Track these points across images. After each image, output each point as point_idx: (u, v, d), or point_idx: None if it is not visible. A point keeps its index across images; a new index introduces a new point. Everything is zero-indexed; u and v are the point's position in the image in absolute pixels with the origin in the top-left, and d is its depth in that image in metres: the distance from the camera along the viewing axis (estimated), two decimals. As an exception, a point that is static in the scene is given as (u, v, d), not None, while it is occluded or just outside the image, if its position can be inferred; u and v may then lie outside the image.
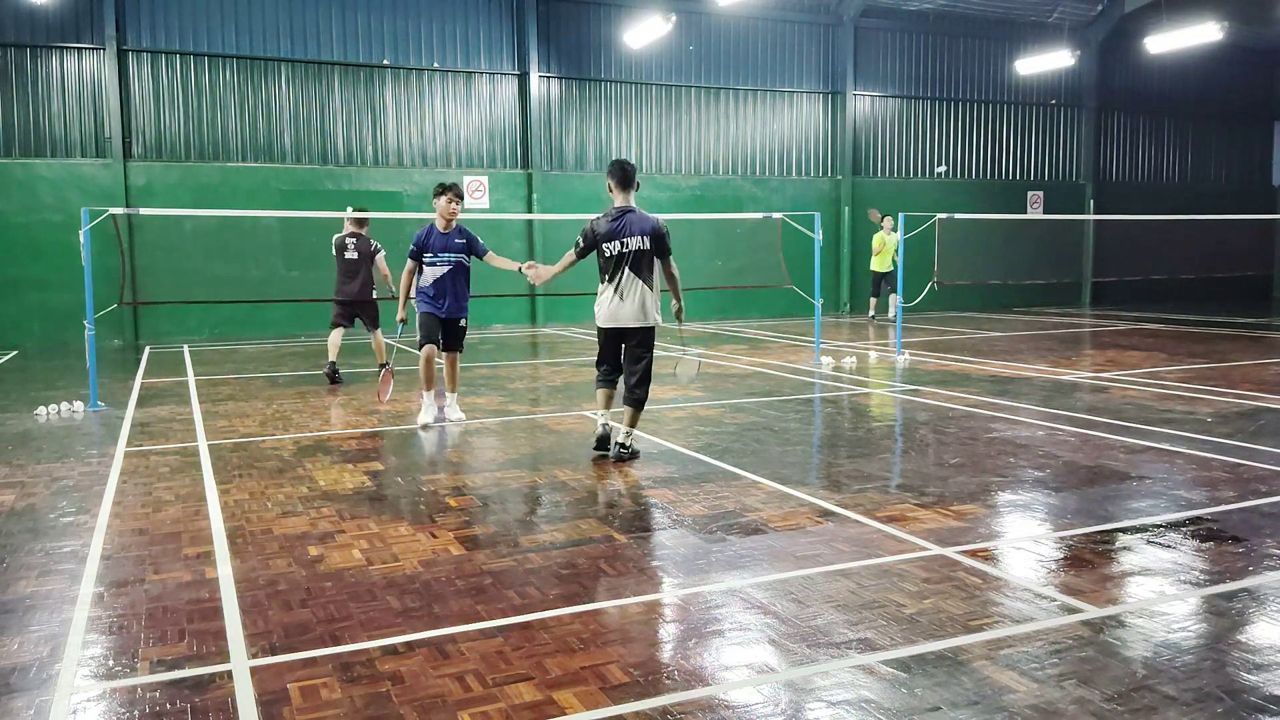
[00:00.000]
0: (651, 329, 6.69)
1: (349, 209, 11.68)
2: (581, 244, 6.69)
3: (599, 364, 6.92)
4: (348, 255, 11.20)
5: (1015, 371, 11.36)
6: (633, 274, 6.53)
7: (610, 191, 6.66)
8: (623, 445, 6.72)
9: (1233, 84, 25.80)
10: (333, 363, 11.14)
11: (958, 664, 3.43)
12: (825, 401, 9.55)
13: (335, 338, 11.29)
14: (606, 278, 6.65)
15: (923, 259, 14.35)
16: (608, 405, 6.92)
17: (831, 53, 21.86)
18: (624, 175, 6.62)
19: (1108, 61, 24.33)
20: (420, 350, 8.37)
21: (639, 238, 6.52)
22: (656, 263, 6.64)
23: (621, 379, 6.83)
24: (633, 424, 6.75)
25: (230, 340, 16.73)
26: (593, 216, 6.80)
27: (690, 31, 20.34)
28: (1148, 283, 21.71)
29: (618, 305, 6.60)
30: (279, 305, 16.80)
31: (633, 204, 6.65)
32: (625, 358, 6.77)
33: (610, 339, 6.79)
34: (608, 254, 6.59)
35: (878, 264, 18.96)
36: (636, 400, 6.72)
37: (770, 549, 4.78)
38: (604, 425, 6.90)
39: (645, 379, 6.75)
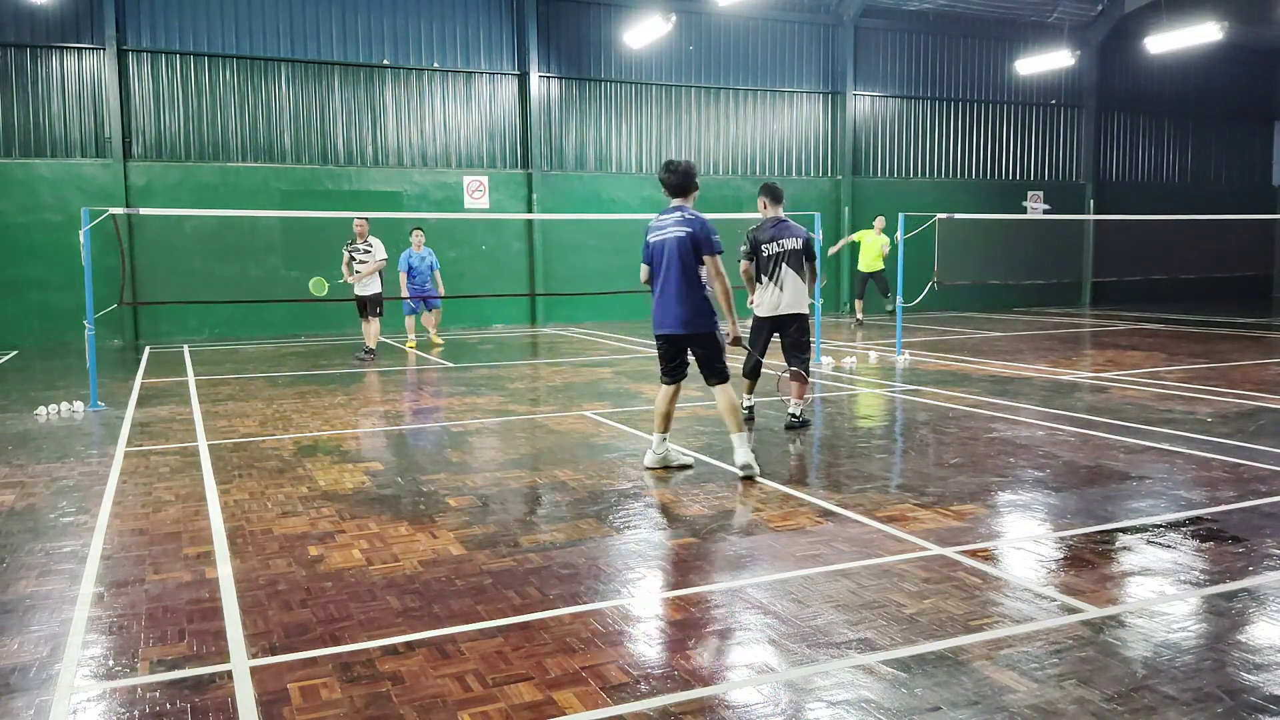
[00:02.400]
0: (806, 315, 7.91)
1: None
2: (747, 248, 7.87)
3: (750, 357, 8.06)
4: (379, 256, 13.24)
5: (1015, 371, 11.36)
6: (789, 269, 7.75)
7: (764, 209, 7.89)
8: (794, 415, 7.90)
9: (1233, 84, 25.80)
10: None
11: (958, 664, 3.43)
12: (825, 401, 9.54)
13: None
14: (766, 276, 7.84)
15: (923, 259, 14.34)
16: (751, 391, 8.18)
17: (831, 53, 21.86)
18: (775, 194, 7.89)
19: (1108, 61, 24.33)
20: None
21: (793, 239, 7.75)
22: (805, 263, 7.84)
23: (787, 362, 8.03)
24: (801, 395, 7.95)
25: (230, 340, 16.73)
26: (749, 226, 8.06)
27: (690, 31, 20.34)
28: (1148, 283, 21.70)
29: (778, 296, 7.81)
30: (279, 305, 16.80)
31: (783, 215, 7.91)
32: (788, 345, 7.92)
33: (768, 329, 7.97)
34: (765, 254, 7.78)
35: (866, 264, 17.91)
36: (802, 376, 7.94)
37: (770, 549, 4.78)
38: (750, 406, 8.15)
39: (807, 358, 8.01)
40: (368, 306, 13.18)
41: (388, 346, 15.26)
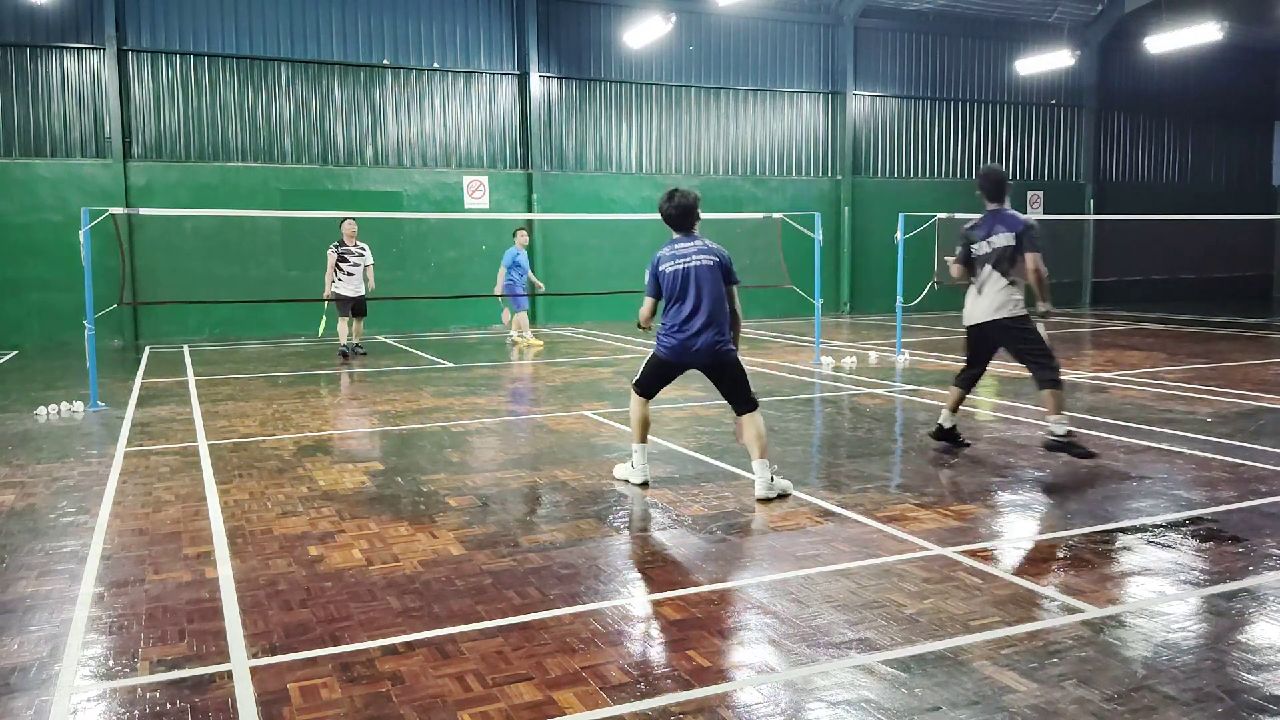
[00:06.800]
0: (1011, 321, 6.60)
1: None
2: (962, 248, 6.86)
3: (968, 365, 6.99)
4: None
5: (1015, 371, 11.34)
6: (993, 270, 6.60)
7: (985, 200, 6.78)
8: (1055, 435, 6.46)
9: (1233, 84, 25.79)
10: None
11: (958, 664, 3.43)
12: (825, 401, 9.54)
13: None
14: (971, 277, 6.80)
15: (923, 259, 14.34)
16: (955, 406, 7.03)
17: (831, 53, 21.86)
18: (993, 185, 6.72)
19: (1108, 61, 24.33)
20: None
21: (1005, 234, 6.57)
22: (1019, 260, 6.55)
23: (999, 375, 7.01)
24: (1058, 408, 6.47)
25: (230, 340, 16.73)
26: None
27: (690, 31, 20.34)
28: (1148, 283, 21.68)
29: (974, 300, 6.73)
30: (279, 305, 16.81)
31: (1006, 207, 6.73)
32: (1016, 356, 6.77)
33: (973, 339, 6.87)
34: (974, 253, 6.76)
35: None
36: (1049, 380, 6.51)
37: (770, 549, 4.78)
38: (948, 419, 7.03)
39: (1044, 361, 6.57)
40: (356, 308, 13.34)
41: (379, 346, 15.27)
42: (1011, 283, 6.55)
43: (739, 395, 5.96)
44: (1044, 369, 6.52)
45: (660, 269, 5.92)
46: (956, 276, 6.93)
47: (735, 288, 5.97)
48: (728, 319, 5.89)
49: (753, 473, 5.87)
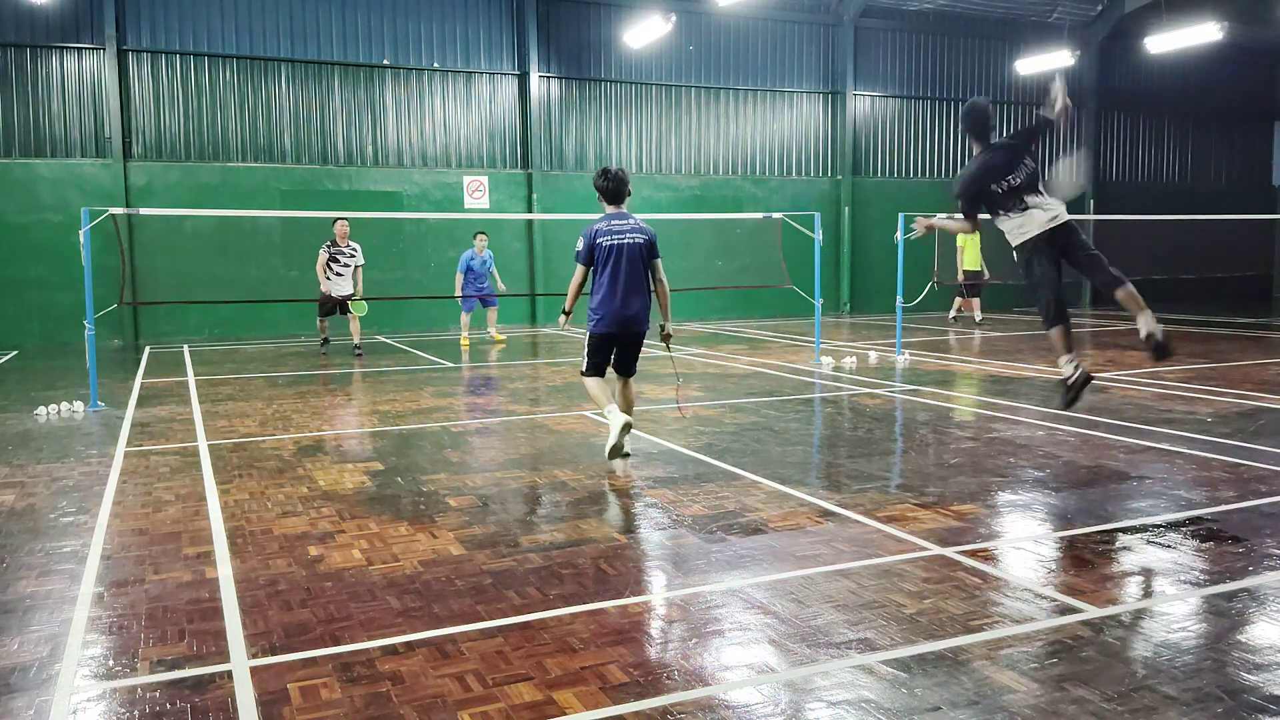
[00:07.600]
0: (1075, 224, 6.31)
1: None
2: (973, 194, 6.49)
3: (1045, 306, 6.49)
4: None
5: (1015, 371, 11.36)
6: (1035, 192, 6.33)
7: (973, 140, 6.57)
8: (1153, 334, 6.09)
9: (1233, 84, 25.78)
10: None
11: (958, 664, 3.43)
12: (825, 401, 9.54)
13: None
14: (1003, 211, 6.43)
15: (922, 259, 14.35)
16: (1068, 345, 6.51)
17: (831, 53, 21.86)
18: (978, 123, 6.49)
19: (1108, 61, 24.33)
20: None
21: (1024, 170, 6.32)
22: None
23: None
24: (1141, 307, 6.22)
25: (230, 340, 16.73)
26: None
27: (690, 31, 20.34)
28: (1148, 283, 21.51)
29: (1026, 220, 6.32)
30: (279, 305, 16.81)
31: (994, 141, 6.48)
32: (1081, 264, 6.36)
33: (1047, 253, 6.34)
34: (996, 190, 6.38)
35: (969, 261, 17.85)
36: (1124, 282, 6.22)
37: (770, 549, 4.78)
38: (1076, 366, 6.46)
39: (1104, 267, 6.27)
40: (339, 307, 13.58)
41: (378, 346, 15.27)
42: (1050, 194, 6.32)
43: (630, 363, 6.78)
44: (1112, 272, 6.21)
45: (597, 241, 6.50)
46: (960, 228, 6.69)
47: (659, 261, 6.65)
48: (650, 295, 6.62)
49: (612, 424, 6.53)
